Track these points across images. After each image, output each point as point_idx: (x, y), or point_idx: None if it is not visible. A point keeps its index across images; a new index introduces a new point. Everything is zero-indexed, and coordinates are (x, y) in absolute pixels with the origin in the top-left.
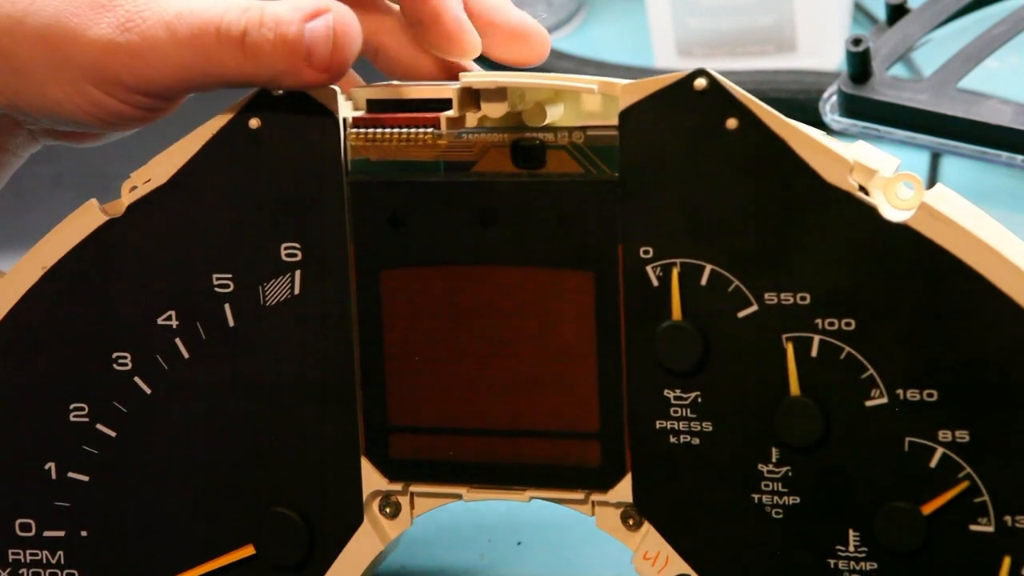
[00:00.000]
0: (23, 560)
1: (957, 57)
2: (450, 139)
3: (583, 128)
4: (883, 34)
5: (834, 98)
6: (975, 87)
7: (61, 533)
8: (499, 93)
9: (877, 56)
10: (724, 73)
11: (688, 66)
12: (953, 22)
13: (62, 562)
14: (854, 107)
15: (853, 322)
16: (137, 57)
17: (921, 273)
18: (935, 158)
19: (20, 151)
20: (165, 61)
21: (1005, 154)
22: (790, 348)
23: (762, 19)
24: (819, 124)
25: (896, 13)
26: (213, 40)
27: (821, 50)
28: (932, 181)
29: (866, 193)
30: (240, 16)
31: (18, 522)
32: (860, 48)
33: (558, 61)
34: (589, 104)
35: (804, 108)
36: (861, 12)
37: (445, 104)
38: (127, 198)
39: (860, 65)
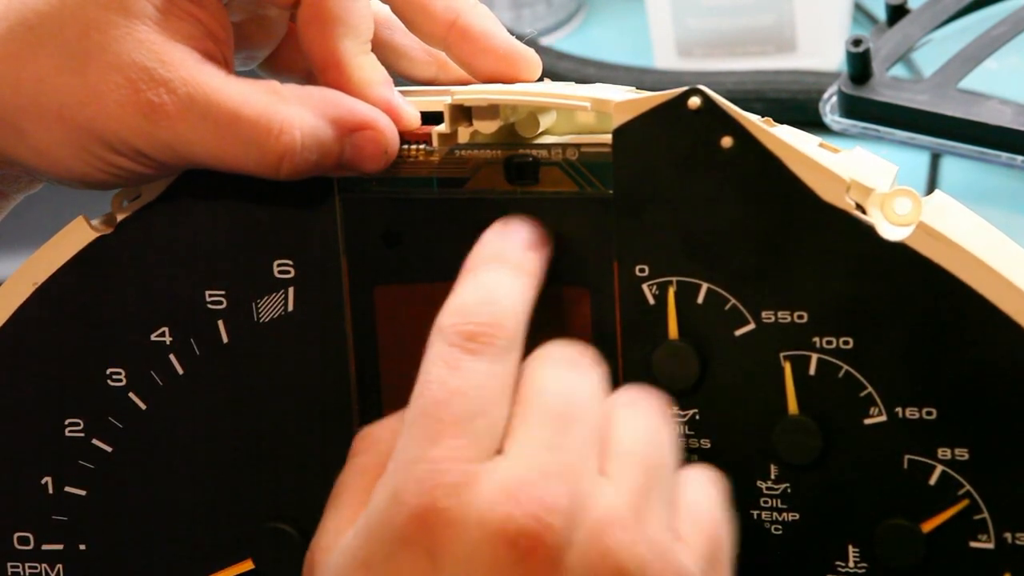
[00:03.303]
0: (22, 573)
1: (957, 58)
2: (442, 155)
3: (577, 145)
4: (883, 34)
5: (834, 98)
6: (975, 88)
7: (60, 546)
8: (491, 110)
9: (877, 57)
10: (724, 73)
11: (688, 66)
12: (953, 23)
13: (61, 575)
14: (854, 107)
15: (851, 340)
16: (164, 143)
17: (919, 292)
18: (935, 159)
19: (20, 194)
20: (190, 147)
21: (1005, 154)
22: (788, 366)
23: (762, 19)
24: (819, 124)
25: (896, 14)
26: (247, 156)
27: (821, 50)
28: (932, 182)
29: (863, 211)
30: (275, 142)
31: (16, 535)
32: (860, 49)
33: (558, 61)
34: (583, 115)
35: (804, 108)
36: (861, 12)
37: (436, 118)
38: (117, 214)
39: (860, 66)
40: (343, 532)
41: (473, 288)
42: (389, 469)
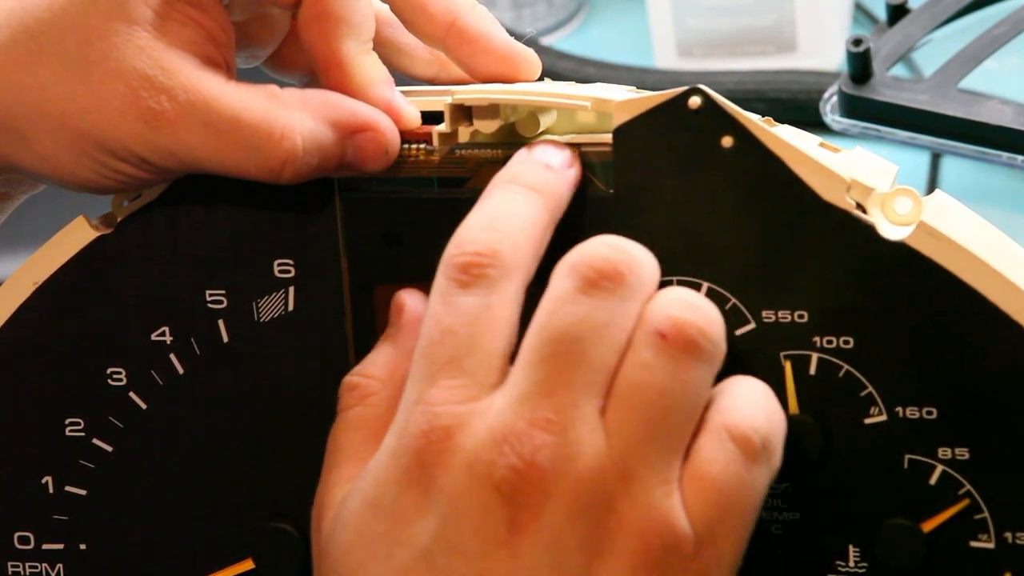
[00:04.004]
0: (22, 573)
1: (957, 57)
2: (443, 155)
3: (577, 145)
4: (884, 34)
5: (835, 98)
6: (975, 87)
7: (60, 546)
8: (491, 110)
9: (878, 56)
10: (724, 73)
11: (688, 66)
12: (953, 22)
13: (61, 575)
14: (854, 107)
15: (851, 340)
16: (166, 150)
17: (919, 291)
18: (935, 158)
19: (23, 195)
20: (192, 154)
21: (1005, 154)
22: (788, 366)
23: (762, 19)
24: (820, 124)
25: (896, 13)
26: (249, 162)
27: (821, 50)
28: (932, 182)
29: (864, 211)
30: (276, 148)
31: (17, 535)
32: (861, 48)
33: (558, 61)
34: (583, 115)
35: (804, 108)
36: (861, 12)
37: (437, 118)
38: (118, 213)
39: (861, 65)
40: (345, 486)
41: (477, 214)
42: (398, 410)
